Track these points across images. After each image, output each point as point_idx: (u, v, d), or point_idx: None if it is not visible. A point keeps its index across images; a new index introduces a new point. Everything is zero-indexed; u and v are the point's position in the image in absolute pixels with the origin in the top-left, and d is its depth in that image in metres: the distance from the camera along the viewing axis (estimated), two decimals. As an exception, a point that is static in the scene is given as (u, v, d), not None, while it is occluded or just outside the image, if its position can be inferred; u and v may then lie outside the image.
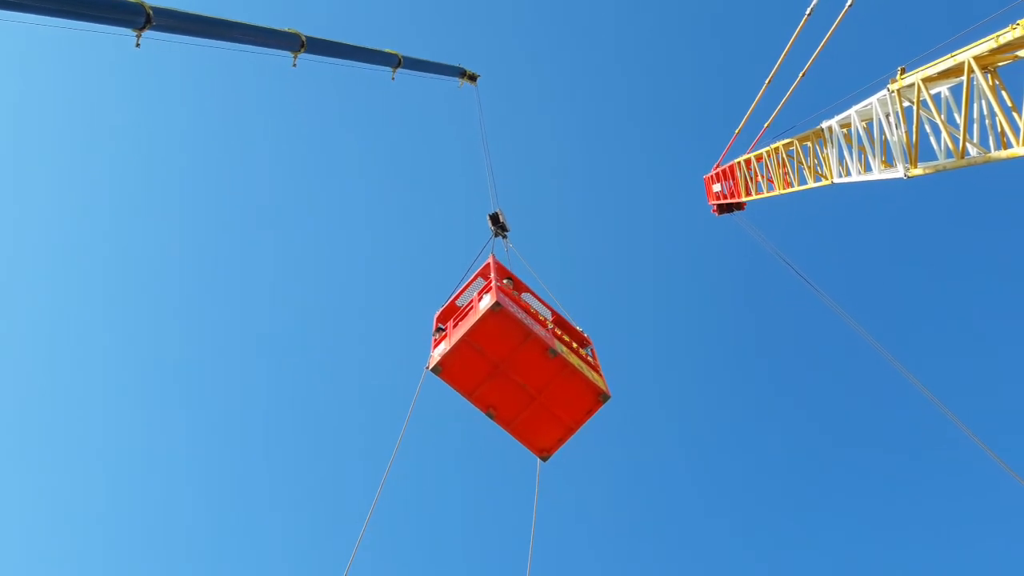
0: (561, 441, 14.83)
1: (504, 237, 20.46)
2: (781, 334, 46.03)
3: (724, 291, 47.30)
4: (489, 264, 15.86)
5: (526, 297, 16.27)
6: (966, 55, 12.38)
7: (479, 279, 15.77)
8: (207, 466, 41.29)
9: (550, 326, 14.98)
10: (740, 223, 26.60)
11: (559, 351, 14.25)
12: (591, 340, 16.49)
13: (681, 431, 45.60)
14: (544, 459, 14.92)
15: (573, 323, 16.94)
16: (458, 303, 16.08)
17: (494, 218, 21.02)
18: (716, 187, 27.19)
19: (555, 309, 16.45)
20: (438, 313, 16.23)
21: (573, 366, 14.34)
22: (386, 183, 47.68)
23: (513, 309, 14.18)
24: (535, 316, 15.00)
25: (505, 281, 15.59)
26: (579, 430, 14.78)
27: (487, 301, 14.20)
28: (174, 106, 44.76)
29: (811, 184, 20.72)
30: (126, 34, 12.64)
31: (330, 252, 47.64)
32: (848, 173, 17.37)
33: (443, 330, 15.33)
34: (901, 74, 14.10)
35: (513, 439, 14.90)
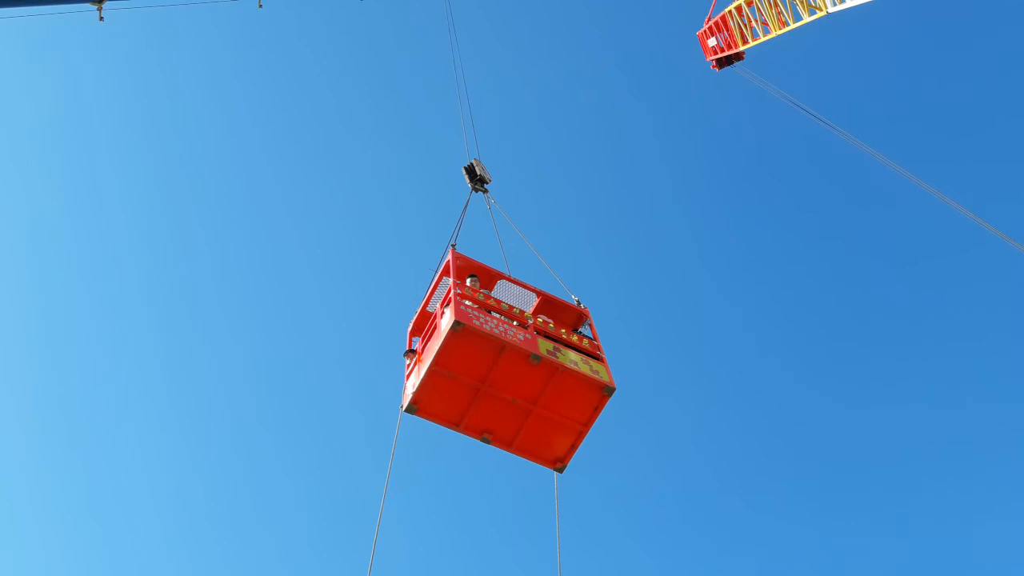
0: (574, 448, 12.99)
1: (484, 191, 18.10)
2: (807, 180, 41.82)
3: (739, 152, 42.82)
4: (449, 262, 13.75)
5: (502, 286, 14.15)
6: None
7: (445, 278, 13.69)
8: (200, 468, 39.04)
9: (530, 321, 12.89)
10: (743, 75, 25.74)
11: (543, 354, 12.24)
12: (588, 311, 14.35)
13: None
14: (560, 471, 13.13)
15: (567, 291, 14.80)
16: (429, 309, 14.09)
17: (470, 171, 18.58)
18: (711, 41, 26.83)
19: (539, 289, 14.29)
20: (411, 324, 14.30)
21: (565, 366, 12.35)
22: (354, 135, 43.15)
23: (479, 321, 12.15)
24: (510, 313, 12.94)
25: (469, 281, 13.47)
26: (591, 430, 12.89)
27: (447, 320, 12.20)
28: (149, 75, 41.49)
29: (806, 19, 20.71)
30: (87, 10, 13.28)
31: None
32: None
33: (414, 352, 13.45)
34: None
35: (520, 459, 13.15)
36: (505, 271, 15.81)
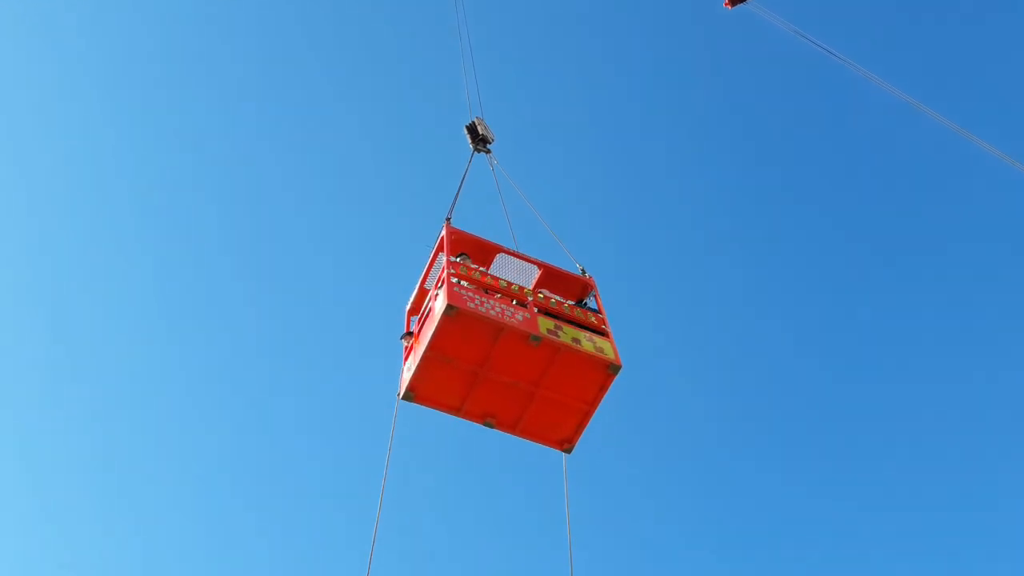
0: (580, 427, 12.45)
1: (487, 152, 17.33)
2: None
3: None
4: (443, 238, 13.09)
5: (500, 260, 13.49)
6: None
7: (442, 254, 13.05)
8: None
9: (530, 298, 12.26)
10: (755, 10, 24.34)
11: (543, 335, 11.64)
12: (593, 281, 13.68)
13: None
14: (568, 451, 12.62)
15: (572, 259, 14.12)
16: (427, 287, 13.51)
17: (471, 130, 17.79)
18: (723, -24, 24.62)
19: (541, 261, 13.61)
20: (409, 303, 13.74)
21: (566, 345, 11.74)
22: (344, 94, 39.16)
23: (474, 303, 11.56)
24: (508, 291, 12.32)
25: (458, 258, 12.81)
26: (598, 409, 12.32)
27: (440, 303, 11.62)
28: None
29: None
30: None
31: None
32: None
33: (412, 335, 12.91)
34: None
35: (525, 441, 12.65)
36: (510, 240, 15.16)
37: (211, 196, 37.55)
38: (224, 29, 37.91)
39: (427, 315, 12.34)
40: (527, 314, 11.89)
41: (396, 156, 38.89)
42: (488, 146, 17.47)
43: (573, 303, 13.17)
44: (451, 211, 13.91)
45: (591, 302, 13.38)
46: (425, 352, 11.66)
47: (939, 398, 35.69)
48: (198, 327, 36.08)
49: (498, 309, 11.70)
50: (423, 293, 13.44)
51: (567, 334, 11.93)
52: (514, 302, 12.18)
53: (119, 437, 34.53)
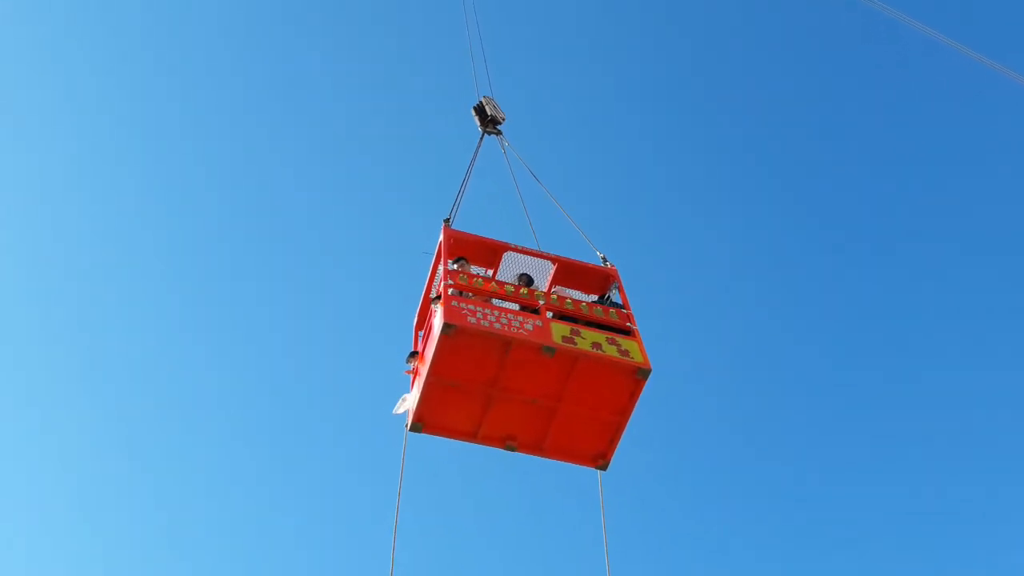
0: (614, 441, 11.06)
1: (497, 133, 15.90)
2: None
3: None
4: (441, 244, 11.75)
5: (509, 259, 12.09)
6: None
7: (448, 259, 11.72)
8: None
9: (541, 302, 10.86)
10: None
11: (558, 344, 10.26)
12: (616, 270, 12.19)
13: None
14: (602, 468, 11.25)
15: (591, 245, 12.66)
16: (432, 297, 12.19)
17: (479, 110, 16.39)
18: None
19: (554, 255, 12.17)
20: (416, 317, 12.46)
21: (586, 353, 10.34)
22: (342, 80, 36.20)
23: (475, 317, 10.22)
24: (516, 296, 10.95)
25: (456, 264, 11.46)
26: (631, 418, 10.92)
27: (437, 322, 10.32)
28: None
29: None
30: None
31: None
32: None
33: (417, 354, 11.64)
34: None
35: (554, 461, 11.32)
36: (527, 229, 13.79)
37: (211, 197, 35.81)
38: (222, 23, 36.43)
39: (428, 333, 11.07)
40: (539, 321, 10.52)
41: (398, 147, 35.99)
42: (498, 127, 16.13)
43: (594, 300, 11.76)
44: (453, 209, 12.56)
45: (614, 295, 11.92)
46: (427, 378, 10.41)
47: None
48: (201, 329, 34.69)
49: (504, 320, 10.36)
50: (428, 305, 12.14)
51: (586, 339, 10.52)
52: (523, 308, 10.84)
53: (109, 465, 32.39)
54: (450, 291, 10.58)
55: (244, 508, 32.07)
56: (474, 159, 15.04)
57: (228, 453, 33.33)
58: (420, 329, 12.26)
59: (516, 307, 10.97)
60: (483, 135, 15.71)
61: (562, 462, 11.24)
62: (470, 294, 10.81)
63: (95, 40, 35.71)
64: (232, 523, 32.22)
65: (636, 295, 11.65)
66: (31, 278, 34.82)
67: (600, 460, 11.14)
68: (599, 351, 10.40)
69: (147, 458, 32.59)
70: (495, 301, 10.97)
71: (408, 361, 11.68)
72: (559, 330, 10.49)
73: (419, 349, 11.69)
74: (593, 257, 12.42)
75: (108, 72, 35.54)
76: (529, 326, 10.37)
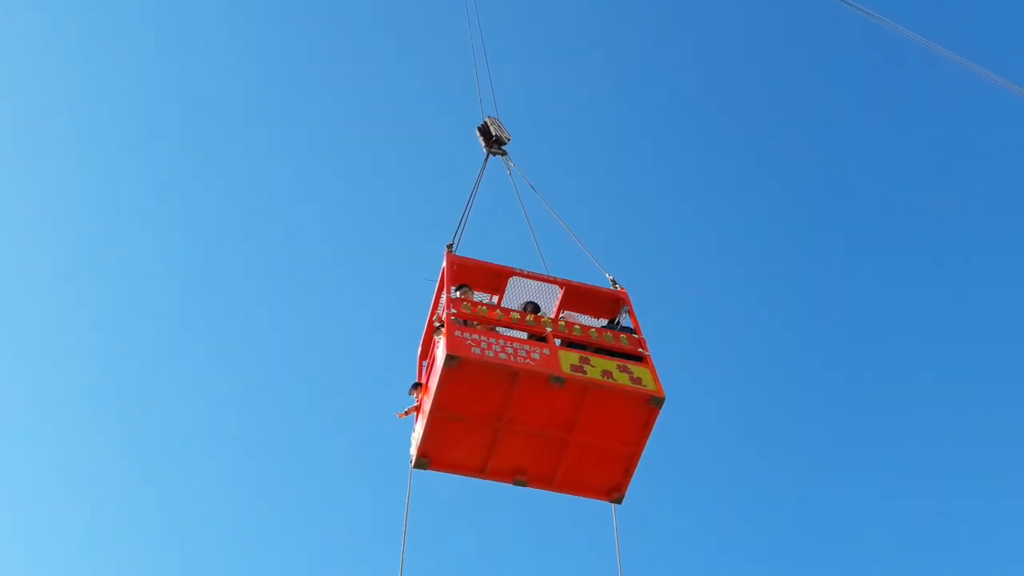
0: (629, 472, 10.57)
1: (503, 154, 15.52)
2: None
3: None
4: (444, 271, 11.33)
5: (515, 284, 11.66)
6: None
7: (451, 286, 11.30)
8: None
9: (548, 329, 10.41)
10: None
11: (566, 374, 9.80)
12: (626, 293, 11.74)
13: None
14: (617, 501, 10.75)
15: (600, 268, 12.21)
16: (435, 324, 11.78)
17: (484, 131, 16.01)
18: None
19: (561, 279, 11.73)
20: (420, 347, 12.04)
21: (596, 382, 9.88)
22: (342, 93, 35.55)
23: (480, 348, 9.78)
24: (522, 323, 10.52)
25: (459, 291, 11.05)
26: (644, 449, 10.43)
27: (440, 353, 9.89)
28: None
29: None
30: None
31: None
32: None
33: (420, 386, 11.22)
34: None
35: (566, 496, 10.83)
36: (534, 252, 13.36)
37: (214, 212, 35.23)
38: (221, 23, 35.98)
39: (431, 365, 10.65)
40: (546, 350, 10.06)
41: (402, 165, 35.29)
42: (503, 147, 15.75)
43: (604, 325, 11.30)
44: (456, 234, 12.15)
45: (624, 319, 11.46)
46: (431, 412, 9.97)
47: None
48: (209, 332, 34.21)
49: (510, 349, 9.91)
50: (431, 333, 11.72)
51: (596, 367, 10.05)
52: (529, 337, 10.41)
53: (111, 466, 32.26)
54: (453, 320, 10.15)
55: (248, 529, 31.70)
56: (479, 180, 14.68)
57: (232, 487, 32.59)
58: (424, 359, 11.85)
59: (523, 335, 10.54)
60: (488, 156, 15.36)
61: (575, 496, 10.76)
62: (475, 323, 10.38)
63: (98, 41, 35.39)
64: (237, 546, 31.67)
65: (647, 316, 11.19)
66: (37, 277, 34.65)
67: (615, 493, 10.65)
68: (610, 380, 9.94)
69: (150, 459, 32.40)
70: (500, 329, 10.55)
71: (411, 393, 11.26)
72: (567, 359, 10.04)
73: (422, 380, 11.28)
74: (602, 280, 11.99)
75: (111, 73, 35.31)
76: (536, 355, 9.92)
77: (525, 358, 9.81)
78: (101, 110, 34.97)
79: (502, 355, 9.76)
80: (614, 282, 11.95)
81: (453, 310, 10.31)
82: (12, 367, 33.31)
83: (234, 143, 35.70)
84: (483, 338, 9.95)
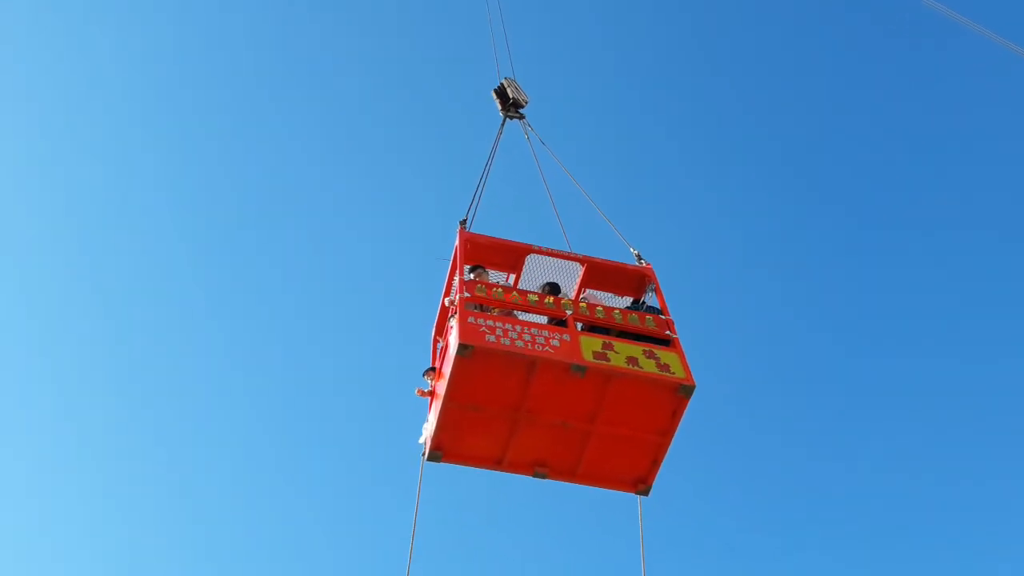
0: (656, 463, 9.93)
1: (520, 118, 14.77)
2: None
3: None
4: (456, 251, 10.64)
5: (532, 263, 10.96)
6: None
7: (464, 266, 10.62)
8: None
9: (569, 312, 9.72)
10: None
11: (588, 362, 9.12)
12: (652, 269, 11.00)
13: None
14: (643, 493, 10.13)
15: (624, 241, 11.49)
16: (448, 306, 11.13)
17: (500, 93, 15.27)
18: None
19: (582, 255, 10.99)
20: (434, 327, 11.40)
21: (620, 370, 9.20)
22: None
23: (495, 335, 9.12)
24: (540, 306, 9.85)
25: (473, 273, 10.37)
26: (673, 438, 9.78)
27: (453, 341, 9.25)
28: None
29: None
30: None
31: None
32: None
33: (434, 370, 10.61)
34: None
35: (589, 488, 10.23)
36: (554, 223, 12.65)
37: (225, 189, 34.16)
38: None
39: (445, 350, 10.02)
40: (566, 335, 9.38)
41: (413, 137, 33.48)
42: (521, 110, 14.97)
43: (628, 306, 10.60)
44: (470, 209, 11.43)
45: (651, 299, 10.74)
46: (444, 403, 9.35)
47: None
48: (216, 332, 33.29)
49: (528, 336, 9.23)
50: (445, 314, 11.06)
51: (620, 354, 9.37)
52: (548, 321, 9.74)
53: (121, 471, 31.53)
54: (466, 305, 9.48)
55: (261, 525, 30.94)
56: (495, 146, 13.96)
57: (246, 478, 31.83)
58: (438, 342, 11.21)
59: (541, 319, 9.87)
60: (504, 120, 14.64)
61: (599, 488, 10.15)
62: (490, 307, 9.71)
63: (118, 37, 34.49)
64: (248, 541, 30.98)
65: (675, 298, 10.46)
66: (51, 275, 34.03)
67: (641, 485, 10.02)
68: (635, 367, 9.25)
69: (163, 454, 31.79)
70: (517, 313, 9.88)
71: (425, 376, 10.65)
72: (589, 344, 9.36)
73: (436, 364, 10.66)
74: (626, 255, 11.26)
75: (128, 70, 34.40)
76: (556, 342, 9.24)
77: (544, 345, 9.14)
78: (121, 110, 33.91)
79: (519, 342, 9.10)
80: (639, 257, 11.23)
81: (466, 293, 9.64)
82: (23, 364, 32.86)
83: (240, 115, 34.63)
84: (498, 324, 9.29)
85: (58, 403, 32.49)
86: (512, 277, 11.04)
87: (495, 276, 10.88)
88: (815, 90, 34.15)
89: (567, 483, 10.05)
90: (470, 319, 9.23)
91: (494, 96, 15.27)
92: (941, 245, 32.47)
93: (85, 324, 33.10)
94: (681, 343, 9.78)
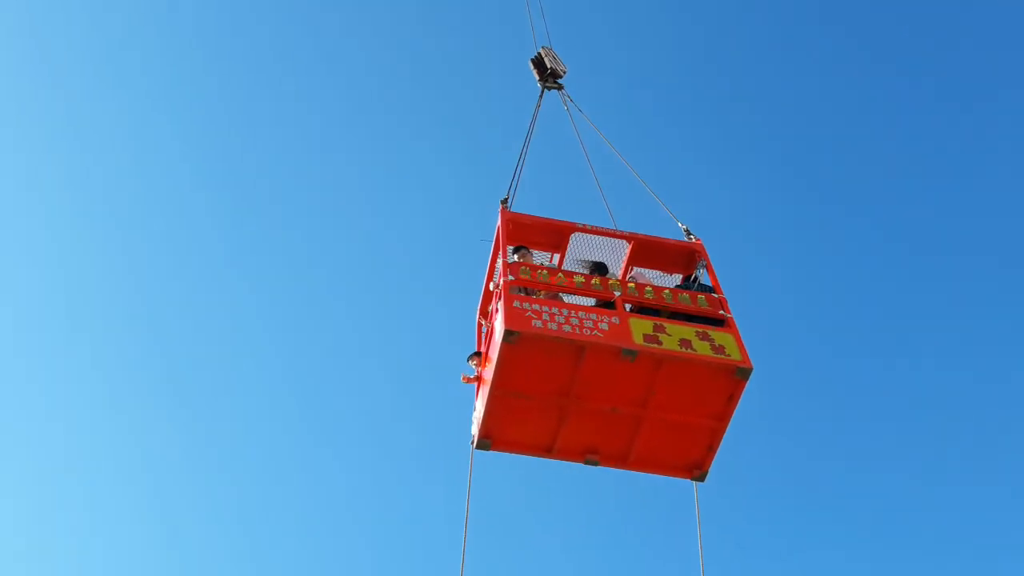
0: (712, 448, 9.57)
1: (559, 88, 14.38)
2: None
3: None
4: (499, 229, 10.29)
5: (577, 242, 10.58)
6: None
7: (511, 247, 10.29)
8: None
9: (617, 293, 9.34)
10: None
11: (639, 346, 8.76)
12: (702, 245, 10.58)
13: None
14: (699, 479, 9.79)
15: (671, 215, 11.08)
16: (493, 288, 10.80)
17: (538, 63, 14.90)
18: None
19: (628, 232, 10.59)
20: (479, 309, 11.10)
21: (672, 354, 8.83)
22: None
23: (541, 320, 8.78)
24: (587, 288, 9.48)
25: (516, 255, 10.02)
26: (730, 423, 9.40)
27: (499, 327, 8.93)
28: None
29: None
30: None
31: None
32: None
33: (480, 355, 10.31)
34: None
35: (643, 474, 9.90)
36: (598, 198, 12.27)
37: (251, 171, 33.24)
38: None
39: (490, 334, 9.71)
40: (615, 318, 9.02)
41: (450, 116, 32.23)
42: (559, 80, 14.55)
43: (678, 284, 10.20)
44: (511, 187, 11.09)
45: (702, 276, 10.32)
46: (491, 390, 9.06)
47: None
48: (228, 334, 32.44)
49: (575, 320, 8.88)
50: (489, 297, 10.75)
51: (672, 336, 8.99)
52: (596, 303, 9.39)
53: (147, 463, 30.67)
54: (511, 289, 9.15)
55: (300, 518, 30.16)
56: (534, 119, 13.60)
57: (282, 474, 31.00)
58: (483, 323, 10.91)
59: (589, 301, 9.52)
60: (543, 91, 14.28)
61: (652, 474, 9.83)
62: (535, 291, 9.38)
63: (149, 24, 33.76)
64: (296, 527, 30.07)
65: (727, 275, 10.04)
66: (51, 273, 33.30)
67: (696, 471, 9.68)
68: (688, 350, 8.87)
69: (154, 458, 30.93)
70: (562, 295, 9.54)
71: (470, 361, 10.37)
72: (640, 327, 8.98)
73: (482, 349, 10.36)
74: (674, 231, 10.84)
75: (152, 56, 33.51)
76: (605, 325, 8.88)
77: (592, 329, 8.79)
78: (151, 96, 32.99)
79: (566, 327, 8.76)
80: (688, 232, 10.81)
81: (511, 276, 9.31)
82: (23, 364, 32.17)
83: (268, 91, 33.85)
84: (544, 308, 8.94)
85: (95, 403, 31.99)
86: (556, 257, 10.69)
87: (539, 257, 10.53)
88: (816, 89, 32.89)
89: (619, 470, 9.75)
90: (515, 303, 8.90)
91: (531, 66, 14.91)
92: (949, 246, 31.26)
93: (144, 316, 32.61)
94: (736, 323, 9.39)
